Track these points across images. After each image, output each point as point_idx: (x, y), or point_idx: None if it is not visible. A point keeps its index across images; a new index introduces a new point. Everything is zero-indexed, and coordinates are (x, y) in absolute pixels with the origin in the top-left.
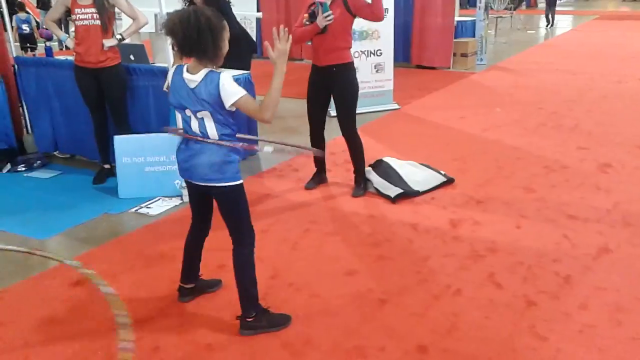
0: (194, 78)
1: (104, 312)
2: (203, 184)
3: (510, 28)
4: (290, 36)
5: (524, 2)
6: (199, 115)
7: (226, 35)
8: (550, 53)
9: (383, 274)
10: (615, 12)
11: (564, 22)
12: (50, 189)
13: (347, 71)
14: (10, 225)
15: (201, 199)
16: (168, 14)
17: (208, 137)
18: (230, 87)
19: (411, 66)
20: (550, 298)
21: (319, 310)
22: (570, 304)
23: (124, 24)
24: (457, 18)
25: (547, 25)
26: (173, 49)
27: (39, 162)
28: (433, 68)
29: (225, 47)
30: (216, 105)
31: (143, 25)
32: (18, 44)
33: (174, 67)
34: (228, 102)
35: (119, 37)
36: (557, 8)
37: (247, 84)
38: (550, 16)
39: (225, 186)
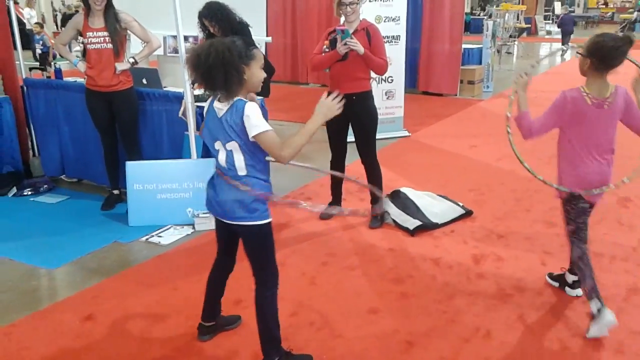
0: (221, 106)
1: (117, 349)
2: (231, 222)
3: (515, 56)
4: (340, 101)
5: (525, 31)
6: (228, 147)
7: (253, 65)
8: (557, 81)
9: (408, 313)
10: None
11: (569, 50)
12: (57, 214)
13: (367, 99)
14: (17, 253)
15: (229, 236)
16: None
17: (236, 171)
18: (254, 119)
19: (418, 92)
20: (584, 342)
21: (344, 353)
22: (605, 349)
23: (132, 45)
24: (464, 46)
25: (562, 54)
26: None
27: (45, 186)
28: (440, 95)
29: (251, 79)
30: (242, 135)
31: (156, 48)
32: (28, 64)
33: (210, 98)
34: (251, 133)
35: (131, 60)
36: (556, 36)
37: (260, 109)
38: (566, 44)
39: (253, 225)
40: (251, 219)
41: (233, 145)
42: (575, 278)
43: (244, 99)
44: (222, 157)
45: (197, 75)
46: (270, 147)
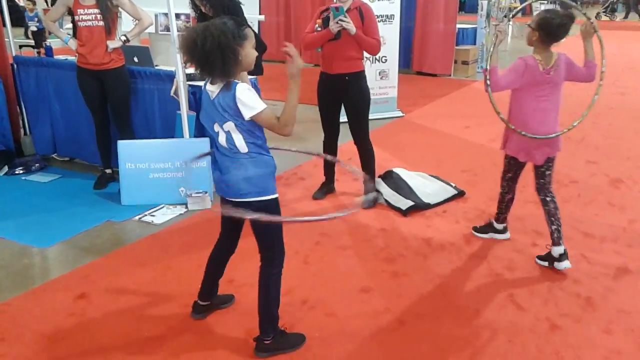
0: (213, 89)
1: (111, 327)
2: (238, 199)
3: (510, 36)
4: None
5: (521, 11)
6: (225, 127)
7: (247, 45)
8: None
9: (399, 292)
10: (611, 22)
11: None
12: (49, 193)
13: (359, 80)
14: (9, 231)
15: (235, 218)
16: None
17: (238, 150)
18: (247, 99)
19: (412, 72)
20: (573, 321)
21: (335, 331)
22: (594, 328)
23: (123, 22)
24: (458, 25)
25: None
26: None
27: (37, 165)
28: (434, 75)
29: (245, 58)
30: (237, 116)
31: (148, 26)
32: (18, 41)
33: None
34: (246, 115)
35: (123, 38)
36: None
37: (253, 88)
38: None
39: (259, 201)
40: (258, 194)
41: (230, 126)
42: (561, 251)
43: (235, 80)
44: (222, 138)
45: (193, 60)
46: (269, 125)
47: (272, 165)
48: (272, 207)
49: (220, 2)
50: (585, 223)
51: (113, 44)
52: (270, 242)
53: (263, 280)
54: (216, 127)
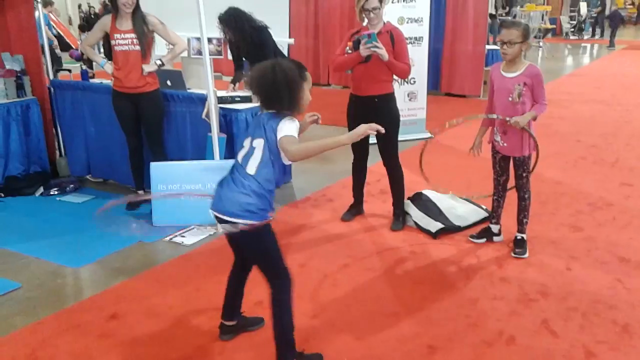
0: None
1: (141, 348)
2: (223, 216)
3: (540, 57)
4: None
5: (550, 32)
6: (254, 143)
7: (305, 86)
8: (581, 83)
9: (430, 316)
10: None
11: (589, 51)
12: (83, 214)
13: (389, 102)
14: (44, 251)
15: (236, 242)
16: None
17: (246, 168)
18: (287, 125)
19: (440, 94)
20: (609, 349)
21: (364, 355)
22: (633, 356)
23: (157, 46)
24: (487, 47)
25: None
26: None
27: (71, 186)
28: (463, 96)
29: (303, 99)
30: (271, 135)
31: (182, 51)
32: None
33: None
34: (280, 134)
35: (158, 62)
36: (585, 37)
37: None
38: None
39: (247, 225)
40: (244, 218)
41: (258, 143)
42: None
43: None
44: (242, 152)
45: (262, 94)
46: (286, 143)
47: (267, 202)
48: (262, 233)
49: (241, 28)
50: (621, 247)
51: (148, 67)
52: (272, 268)
53: (274, 307)
54: (246, 142)
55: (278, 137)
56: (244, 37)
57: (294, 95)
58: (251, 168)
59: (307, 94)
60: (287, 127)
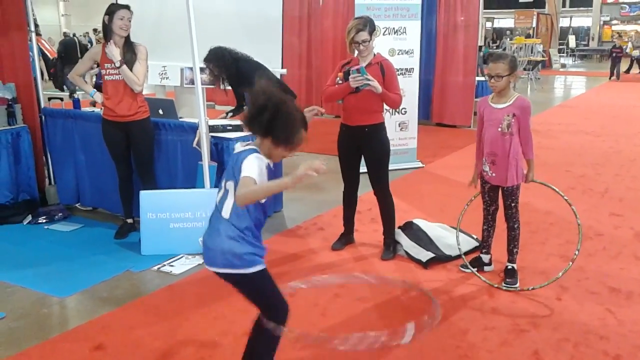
0: (240, 148)
1: None
2: (212, 269)
3: (529, 88)
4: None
5: (540, 64)
6: (227, 186)
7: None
8: (571, 114)
9: (420, 347)
10: (631, 75)
11: (578, 84)
12: (71, 242)
13: (379, 131)
14: (30, 280)
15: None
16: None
17: (221, 212)
18: (251, 166)
19: (431, 124)
20: None
21: None
22: None
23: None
24: (477, 78)
25: (610, 78)
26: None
27: (60, 214)
28: (453, 126)
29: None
30: (237, 175)
31: (136, 82)
32: (47, 93)
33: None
34: (241, 175)
35: (119, 59)
36: (571, 69)
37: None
38: (615, 71)
39: (238, 274)
40: (233, 267)
41: (230, 186)
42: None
43: (259, 149)
44: (219, 195)
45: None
46: (240, 185)
47: (249, 247)
48: (255, 279)
49: (224, 63)
50: (611, 277)
51: (113, 50)
52: (267, 307)
53: (255, 332)
54: (222, 183)
55: (240, 177)
56: (228, 69)
57: (282, 122)
58: (225, 211)
59: (284, 152)
60: (248, 168)
